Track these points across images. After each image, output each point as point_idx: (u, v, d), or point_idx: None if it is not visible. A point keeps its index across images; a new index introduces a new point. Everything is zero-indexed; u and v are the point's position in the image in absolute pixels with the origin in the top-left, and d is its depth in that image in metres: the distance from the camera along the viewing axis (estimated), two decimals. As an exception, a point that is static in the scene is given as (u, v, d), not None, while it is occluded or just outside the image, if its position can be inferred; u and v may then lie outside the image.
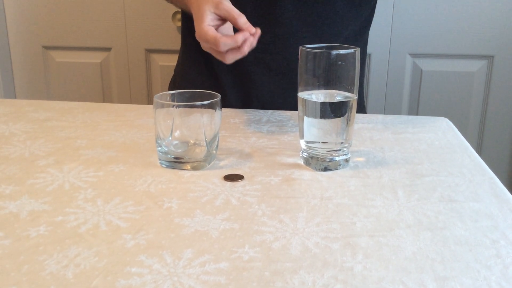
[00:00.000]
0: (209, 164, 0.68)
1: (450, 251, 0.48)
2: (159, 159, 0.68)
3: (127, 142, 0.77)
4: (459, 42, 1.53)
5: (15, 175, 0.65)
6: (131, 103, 1.72)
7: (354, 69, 0.65)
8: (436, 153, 0.74)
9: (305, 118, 0.67)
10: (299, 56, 0.66)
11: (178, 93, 0.69)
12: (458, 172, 0.67)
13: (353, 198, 0.59)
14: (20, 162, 0.69)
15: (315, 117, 0.66)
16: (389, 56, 1.57)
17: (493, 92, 1.56)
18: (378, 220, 0.54)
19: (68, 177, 0.64)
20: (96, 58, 1.71)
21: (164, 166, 0.67)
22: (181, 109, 0.67)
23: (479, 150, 1.61)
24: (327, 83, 0.65)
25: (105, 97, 1.73)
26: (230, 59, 0.75)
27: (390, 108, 1.61)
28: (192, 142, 0.68)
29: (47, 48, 1.72)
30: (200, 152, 0.67)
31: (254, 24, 0.75)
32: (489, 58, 1.54)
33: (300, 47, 0.66)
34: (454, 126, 0.88)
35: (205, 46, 0.76)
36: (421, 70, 1.57)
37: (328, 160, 0.67)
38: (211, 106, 0.65)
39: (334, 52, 0.64)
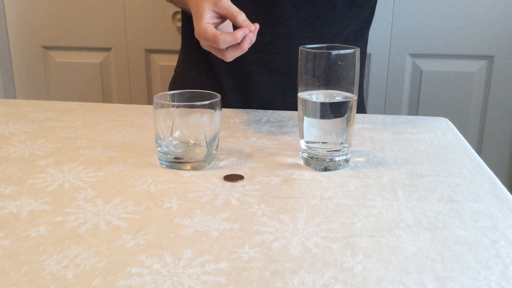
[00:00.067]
0: (209, 164, 0.68)
1: (450, 251, 0.48)
2: (159, 159, 0.68)
3: (127, 142, 0.77)
4: (459, 42, 1.53)
5: (15, 175, 0.65)
6: (131, 103, 1.72)
7: (354, 69, 0.65)
8: (436, 153, 0.74)
9: (305, 118, 0.67)
10: (299, 56, 0.66)
11: (178, 93, 0.69)
12: (458, 172, 0.67)
13: (353, 198, 0.59)
14: (20, 162, 0.69)
15: (315, 117, 0.66)
16: (389, 56, 1.57)
17: (493, 92, 1.56)
18: (378, 220, 0.54)
19: (68, 177, 0.64)
20: (96, 58, 1.71)
21: (164, 166, 0.67)
22: (181, 109, 0.67)
23: (479, 150, 1.61)
24: (327, 83, 0.65)
25: (105, 97, 1.73)
26: (230, 56, 0.74)
27: (390, 108, 1.61)
28: (192, 142, 0.68)
29: (47, 48, 1.72)
30: (200, 152, 0.67)
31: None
32: (489, 58, 1.54)
33: (300, 47, 0.66)
34: (454, 126, 0.88)
35: (204, 44, 0.75)
36: (421, 70, 1.57)
37: (328, 160, 0.67)
38: (211, 106, 0.65)
39: (334, 52, 0.64)
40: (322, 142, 0.67)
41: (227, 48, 0.73)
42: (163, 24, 1.63)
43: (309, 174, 0.66)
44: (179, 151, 0.67)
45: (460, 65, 1.55)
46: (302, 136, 0.69)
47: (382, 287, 0.42)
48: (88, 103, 0.98)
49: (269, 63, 0.97)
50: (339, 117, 0.66)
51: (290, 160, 0.70)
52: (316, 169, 0.67)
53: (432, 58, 1.56)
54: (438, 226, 0.53)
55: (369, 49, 1.53)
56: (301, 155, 0.70)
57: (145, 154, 0.72)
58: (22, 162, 0.69)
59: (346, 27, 0.97)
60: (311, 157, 0.68)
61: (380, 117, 0.93)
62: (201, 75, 1.03)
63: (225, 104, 0.92)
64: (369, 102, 1.60)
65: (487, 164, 0.71)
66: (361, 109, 1.07)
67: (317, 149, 0.67)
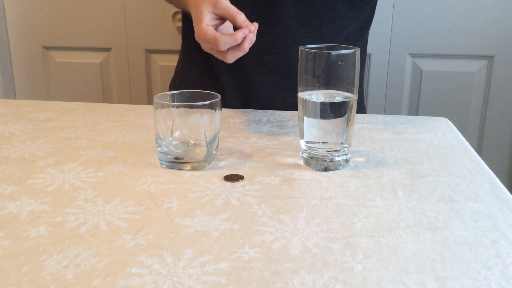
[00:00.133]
0: (209, 165, 0.68)
1: (450, 251, 0.48)
2: (159, 160, 0.68)
3: (127, 142, 0.77)
4: (459, 42, 1.53)
5: (15, 175, 0.65)
6: (131, 103, 1.72)
7: (354, 69, 0.65)
8: (436, 153, 0.74)
9: (305, 118, 0.67)
10: (299, 56, 0.66)
11: (178, 93, 0.69)
12: (458, 172, 0.67)
13: (353, 198, 0.59)
14: (20, 162, 0.69)
15: (315, 117, 0.66)
16: (389, 56, 1.57)
17: (493, 92, 1.56)
18: (378, 220, 0.54)
19: (68, 178, 0.64)
20: (96, 58, 1.71)
21: (164, 166, 0.67)
22: (181, 109, 0.67)
23: (479, 150, 1.61)
24: (327, 83, 0.65)
25: (105, 97, 1.73)
26: (231, 58, 0.74)
27: (390, 108, 1.61)
28: (192, 142, 0.68)
29: (47, 48, 1.72)
30: (200, 152, 0.67)
31: None
32: (489, 58, 1.54)
33: (300, 48, 0.66)
34: (454, 126, 0.88)
35: (205, 47, 0.75)
36: (421, 70, 1.57)
37: (328, 160, 0.67)
38: (211, 107, 0.65)
39: (334, 52, 0.64)
40: (322, 142, 0.67)
41: (228, 49, 0.73)
42: (163, 24, 1.63)
43: (309, 174, 0.66)
44: (179, 151, 0.67)
45: (460, 65, 1.55)
46: (302, 136, 0.69)
47: (382, 287, 0.42)
48: (88, 103, 0.98)
49: (269, 63, 0.97)
50: (339, 117, 0.66)
51: (290, 160, 0.70)
52: (316, 169, 0.67)
53: (432, 58, 1.56)
54: (438, 226, 0.53)
55: (369, 49, 1.53)
56: (301, 155, 0.70)
57: (145, 154, 0.72)
58: (22, 162, 0.69)
59: (346, 27, 0.97)
60: (311, 157, 0.68)
61: (380, 117, 0.93)
62: (201, 75, 1.03)
63: (225, 104, 0.92)
64: (369, 102, 1.60)
65: (487, 164, 0.71)
66: (361, 109, 1.07)
67: (317, 149, 0.67)
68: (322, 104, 0.66)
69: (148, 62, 1.68)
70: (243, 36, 0.71)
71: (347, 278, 0.43)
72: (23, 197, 0.58)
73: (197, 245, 0.48)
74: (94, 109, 0.95)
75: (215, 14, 0.74)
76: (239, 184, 0.62)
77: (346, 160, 0.69)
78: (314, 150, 0.67)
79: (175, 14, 1.60)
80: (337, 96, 0.66)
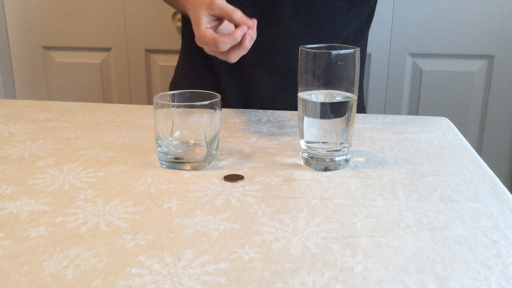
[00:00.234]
0: (209, 165, 0.68)
1: (450, 251, 0.48)
2: (159, 160, 0.68)
3: (127, 142, 0.77)
4: (459, 42, 1.53)
5: (15, 175, 0.64)
6: (131, 103, 1.72)
7: (354, 69, 0.65)
8: (436, 153, 0.74)
9: (305, 118, 0.67)
10: (299, 56, 0.66)
11: (178, 93, 0.68)
12: (458, 172, 0.67)
13: (353, 198, 0.59)
14: (20, 162, 0.69)
15: (315, 117, 0.66)
16: (389, 56, 1.57)
17: (493, 92, 1.56)
18: (378, 220, 0.54)
19: (68, 178, 0.64)
20: (96, 58, 1.70)
21: (164, 166, 0.67)
22: (181, 109, 0.66)
23: (479, 150, 1.61)
24: (327, 83, 0.65)
25: (105, 97, 1.73)
26: (234, 57, 0.74)
27: (390, 108, 1.61)
28: (192, 142, 0.68)
29: (47, 48, 1.72)
30: (200, 152, 0.67)
31: None
32: (489, 58, 1.54)
33: (300, 47, 0.66)
34: (454, 126, 0.88)
35: (208, 50, 0.75)
36: (421, 70, 1.57)
37: (328, 160, 0.67)
38: (211, 107, 0.65)
39: (334, 52, 0.64)
40: (322, 142, 0.67)
41: (230, 49, 0.73)
42: (163, 24, 1.63)
43: (309, 174, 0.66)
44: (179, 151, 0.67)
45: (460, 64, 1.55)
46: (302, 136, 0.69)
47: (382, 287, 0.42)
48: (88, 103, 0.98)
49: (268, 63, 0.97)
50: (339, 117, 0.66)
51: (290, 160, 0.70)
52: (316, 169, 0.67)
53: (432, 58, 1.56)
54: (438, 226, 0.52)
55: (369, 49, 1.53)
56: (301, 155, 0.70)
57: (145, 154, 0.72)
58: (22, 163, 0.69)
59: (346, 27, 0.97)
60: (311, 157, 0.68)
61: (380, 117, 0.93)
62: (201, 75, 1.03)
63: (225, 104, 0.92)
64: (369, 102, 1.60)
65: (487, 164, 0.71)
66: (361, 109, 1.07)
67: (317, 149, 0.67)
68: (322, 104, 0.66)
69: (148, 62, 1.68)
70: (242, 34, 0.71)
71: (347, 278, 0.43)
72: (23, 197, 0.58)
73: (197, 245, 0.48)
74: (94, 109, 0.95)
75: (212, 15, 0.74)
76: (239, 184, 0.62)
77: (346, 160, 0.69)
78: (314, 150, 0.67)
79: (175, 14, 1.60)
80: (337, 96, 0.66)
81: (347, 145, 0.68)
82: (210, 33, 0.72)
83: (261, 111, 0.95)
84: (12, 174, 0.65)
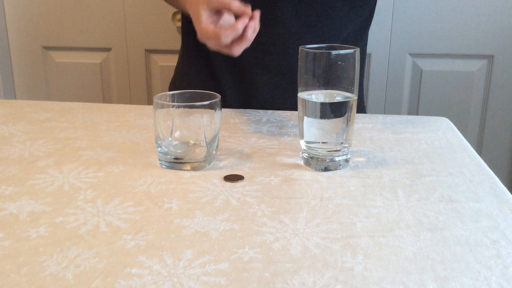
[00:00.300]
0: (209, 165, 0.68)
1: (450, 251, 0.48)
2: (159, 160, 0.68)
3: (127, 142, 0.77)
4: (459, 42, 1.53)
5: (15, 176, 0.64)
6: (131, 103, 1.72)
7: (354, 69, 0.65)
8: (436, 153, 0.74)
9: (305, 118, 0.67)
10: (299, 56, 0.66)
11: (178, 93, 0.68)
12: (458, 172, 0.67)
13: (353, 198, 0.59)
14: (20, 162, 0.69)
15: (315, 117, 0.66)
16: (389, 56, 1.57)
17: (493, 92, 1.56)
18: (378, 221, 0.54)
19: (68, 178, 0.64)
20: (96, 58, 1.70)
21: (164, 166, 0.67)
22: (181, 109, 0.66)
23: (479, 150, 1.61)
24: (327, 83, 0.65)
25: (105, 98, 1.73)
26: (237, 50, 0.74)
27: (390, 108, 1.61)
28: (192, 142, 0.68)
29: (47, 48, 1.72)
30: (200, 152, 0.67)
31: None
32: (489, 58, 1.54)
33: (300, 47, 0.66)
34: (454, 126, 0.88)
35: (211, 45, 0.75)
36: (421, 70, 1.57)
37: (328, 160, 0.67)
38: (211, 107, 0.65)
39: (334, 52, 0.64)
40: (322, 142, 0.67)
41: (232, 42, 0.73)
42: (163, 24, 1.63)
43: (309, 174, 0.66)
44: (179, 151, 0.67)
45: (460, 64, 1.55)
46: (302, 136, 0.69)
47: (383, 287, 0.42)
48: (88, 104, 0.98)
49: (269, 63, 0.97)
50: (339, 117, 0.66)
51: (290, 160, 0.70)
52: (316, 169, 0.67)
53: (432, 58, 1.55)
54: (438, 226, 0.52)
55: (369, 49, 1.53)
56: (301, 155, 0.70)
57: (145, 154, 0.72)
58: (22, 163, 0.69)
59: (346, 27, 0.97)
60: (311, 157, 0.68)
61: (380, 117, 0.93)
62: (201, 75, 1.03)
63: (225, 104, 0.92)
64: (369, 102, 1.60)
65: (487, 164, 0.71)
66: (361, 109, 1.07)
67: (317, 149, 0.67)
68: (322, 104, 0.66)
69: (148, 62, 1.68)
70: (244, 25, 0.71)
71: (347, 278, 0.43)
72: (23, 197, 0.58)
73: (197, 246, 0.48)
74: (94, 109, 0.95)
75: (211, 9, 0.74)
76: (239, 184, 0.62)
77: (346, 160, 0.69)
78: (314, 150, 0.67)
79: (175, 14, 1.60)
80: (337, 96, 0.66)
81: (347, 145, 0.68)
82: (211, 27, 0.72)
83: (261, 111, 0.95)
84: (12, 175, 0.65)
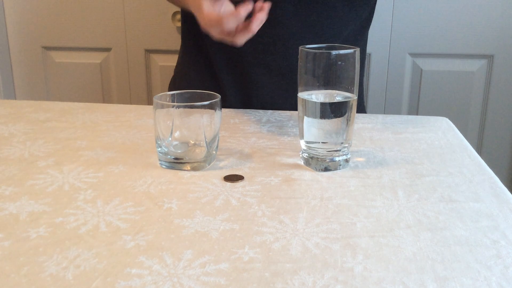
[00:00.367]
0: (209, 165, 0.68)
1: (450, 252, 0.48)
2: (159, 160, 0.68)
3: (126, 142, 0.77)
4: (459, 42, 1.53)
5: (14, 176, 0.64)
6: (131, 103, 1.72)
7: (354, 69, 0.65)
8: (436, 153, 0.74)
9: (305, 118, 0.67)
10: (299, 57, 0.66)
11: (178, 93, 0.68)
12: (458, 172, 0.67)
13: (353, 198, 0.59)
14: (19, 163, 0.69)
15: (315, 117, 0.66)
16: (389, 56, 1.57)
17: (493, 92, 1.56)
18: (378, 221, 0.54)
19: (68, 178, 0.64)
20: (95, 58, 1.71)
21: (164, 166, 0.67)
22: (181, 109, 0.66)
23: (479, 150, 1.61)
24: (327, 83, 0.65)
25: (105, 98, 1.73)
26: (240, 40, 0.74)
27: (390, 108, 1.61)
28: (192, 142, 0.68)
29: (47, 48, 1.72)
30: (200, 152, 0.67)
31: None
32: (489, 57, 1.54)
33: (300, 48, 0.66)
34: (454, 126, 0.88)
35: (215, 33, 0.74)
36: (421, 70, 1.57)
37: (328, 160, 0.67)
38: (211, 107, 0.65)
39: (334, 52, 0.64)
40: (322, 142, 0.67)
41: (236, 32, 0.72)
42: (163, 24, 1.63)
43: (309, 174, 0.66)
44: (179, 151, 0.67)
45: (460, 64, 1.55)
46: (302, 136, 0.69)
47: (383, 287, 0.42)
48: (88, 104, 0.98)
49: (269, 63, 0.97)
50: (339, 117, 0.66)
51: (290, 160, 0.70)
52: (316, 169, 0.67)
53: (432, 57, 1.56)
54: (438, 226, 0.52)
55: (369, 49, 1.53)
56: (301, 155, 0.70)
57: (145, 154, 0.72)
58: (22, 163, 0.69)
59: (346, 27, 0.97)
60: (311, 157, 0.68)
61: (380, 117, 0.93)
62: (201, 75, 1.03)
63: (225, 104, 0.92)
64: (369, 102, 1.60)
65: (487, 164, 0.71)
66: (361, 109, 1.07)
67: (317, 149, 0.67)
68: (322, 104, 0.66)
69: (148, 62, 1.68)
70: (246, 12, 0.70)
71: (347, 278, 0.43)
72: (22, 197, 0.58)
73: (197, 246, 0.48)
74: (93, 109, 0.95)
75: None
76: (239, 184, 0.62)
77: (346, 160, 0.69)
78: (314, 150, 0.67)
79: (175, 14, 1.60)
80: (337, 96, 0.66)
81: (347, 145, 0.68)
82: (214, 13, 0.72)
83: (261, 111, 0.95)
84: (12, 175, 0.65)
